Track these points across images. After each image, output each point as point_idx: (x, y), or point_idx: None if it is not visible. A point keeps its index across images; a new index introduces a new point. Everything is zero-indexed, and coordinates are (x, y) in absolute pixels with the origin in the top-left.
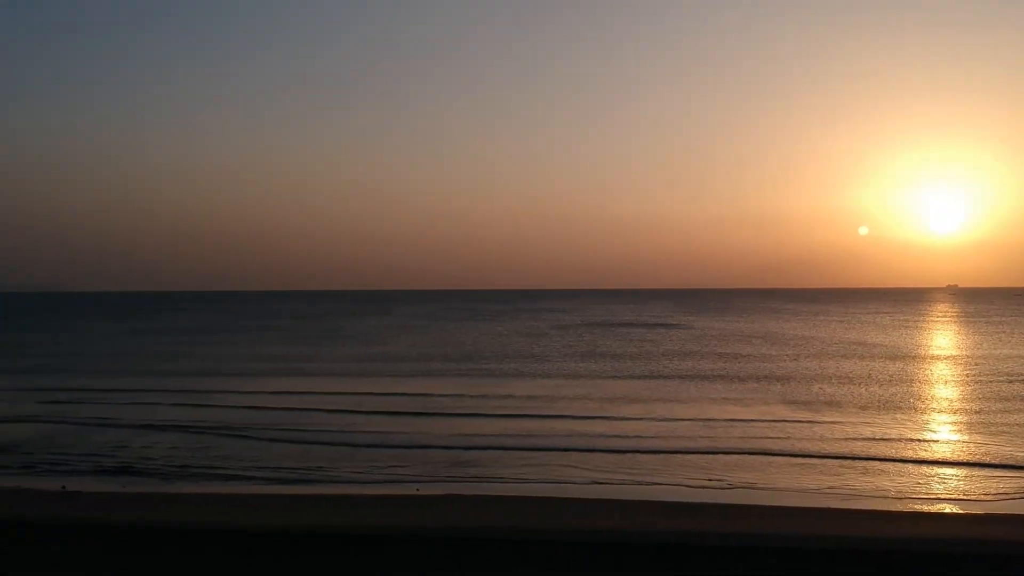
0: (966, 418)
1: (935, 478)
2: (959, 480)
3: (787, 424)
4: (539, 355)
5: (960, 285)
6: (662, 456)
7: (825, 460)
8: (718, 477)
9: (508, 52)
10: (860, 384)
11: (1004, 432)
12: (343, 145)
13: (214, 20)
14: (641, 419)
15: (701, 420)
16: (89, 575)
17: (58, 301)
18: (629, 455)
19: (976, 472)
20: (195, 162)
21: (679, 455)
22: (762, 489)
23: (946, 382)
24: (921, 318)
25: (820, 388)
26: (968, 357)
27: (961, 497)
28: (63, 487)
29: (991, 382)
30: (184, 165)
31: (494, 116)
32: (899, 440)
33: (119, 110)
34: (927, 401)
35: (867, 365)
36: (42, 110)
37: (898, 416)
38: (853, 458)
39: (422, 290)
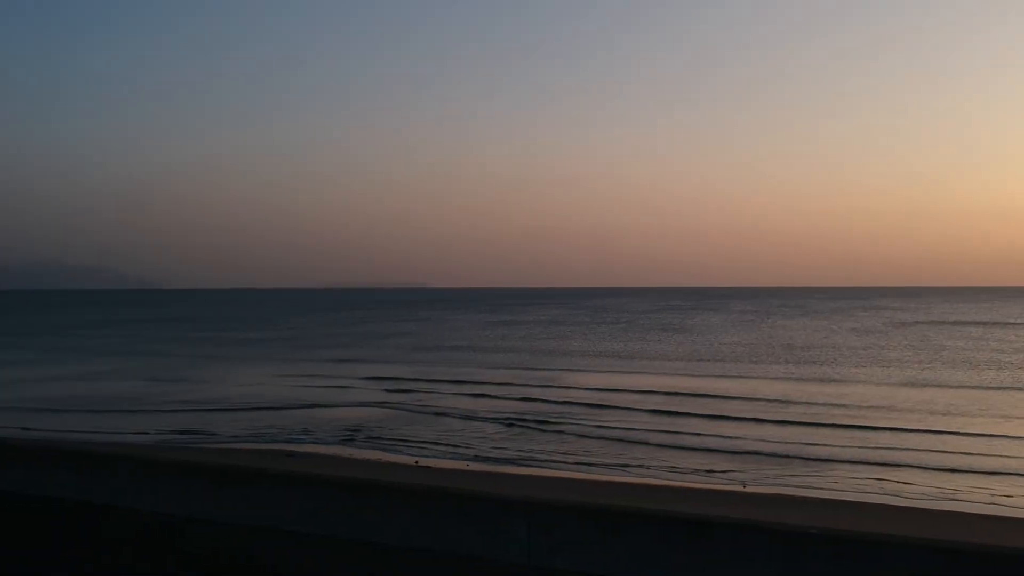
0: None
1: None
2: None
3: None
4: (876, 357)
5: None
6: (1013, 478)
7: None
8: None
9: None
10: None
11: None
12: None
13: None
14: (1001, 437)
15: None
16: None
17: (428, 295)
18: (982, 476)
19: None
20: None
21: None
22: None
23: None
24: None
25: None
26: None
27: None
28: (416, 461)
29: None
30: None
31: (807, 115)
32: None
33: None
34: None
35: None
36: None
37: None
38: None
39: (753, 287)
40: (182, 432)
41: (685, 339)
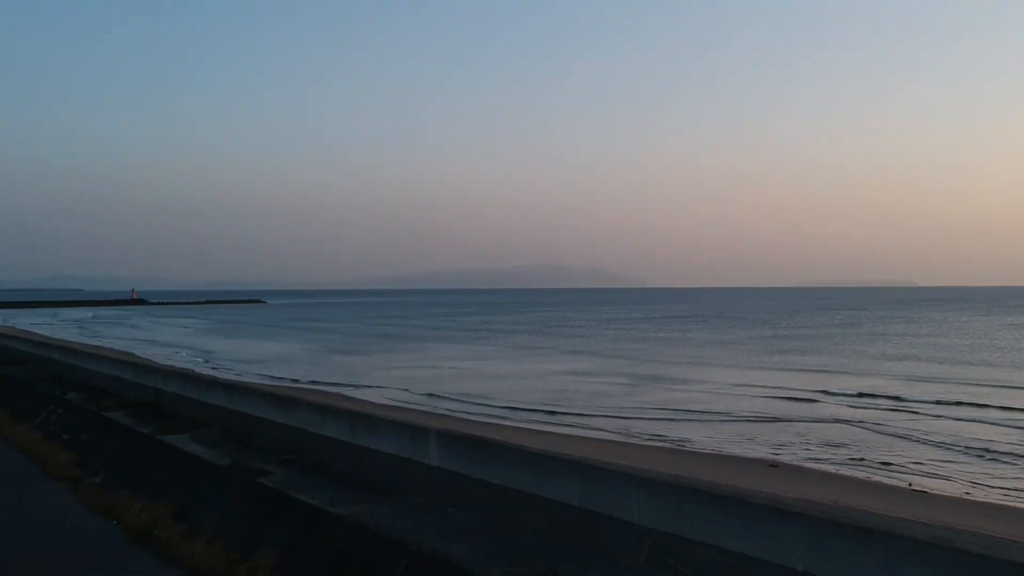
0: None
1: None
2: None
3: None
4: None
5: None
6: None
7: None
8: None
9: None
10: None
11: None
12: None
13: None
14: None
15: None
16: None
17: (917, 295)
18: None
19: None
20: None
21: None
22: None
23: None
24: None
25: None
26: None
27: None
28: (909, 484)
29: None
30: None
31: None
32: None
33: None
34: None
35: None
36: None
37: None
38: None
39: None
40: (659, 439)
41: None
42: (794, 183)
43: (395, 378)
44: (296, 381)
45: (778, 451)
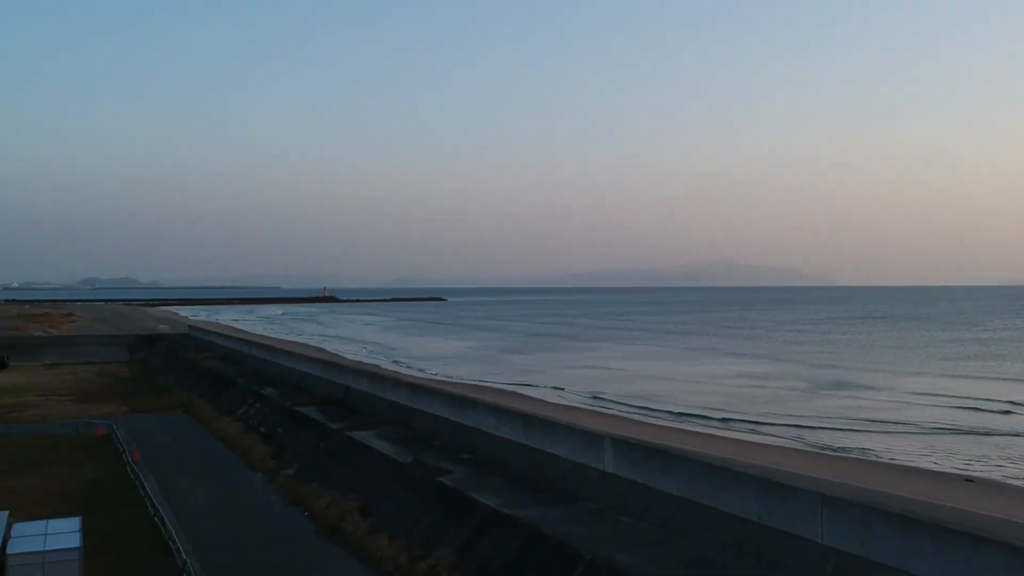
0: None
1: None
2: None
3: None
4: None
5: None
6: None
7: None
8: None
9: None
10: None
11: None
12: None
13: None
14: None
15: None
16: None
17: None
18: None
19: None
20: None
21: None
22: None
23: None
24: None
25: None
26: None
27: None
28: None
29: None
30: None
31: None
32: None
33: None
34: None
35: None
36: None
37: None
38: None
39: None
40: (841, 450)
41: None
42: (1003, 171)
43: (564, 378)
44: (456, 378)
45: (973, 465)
